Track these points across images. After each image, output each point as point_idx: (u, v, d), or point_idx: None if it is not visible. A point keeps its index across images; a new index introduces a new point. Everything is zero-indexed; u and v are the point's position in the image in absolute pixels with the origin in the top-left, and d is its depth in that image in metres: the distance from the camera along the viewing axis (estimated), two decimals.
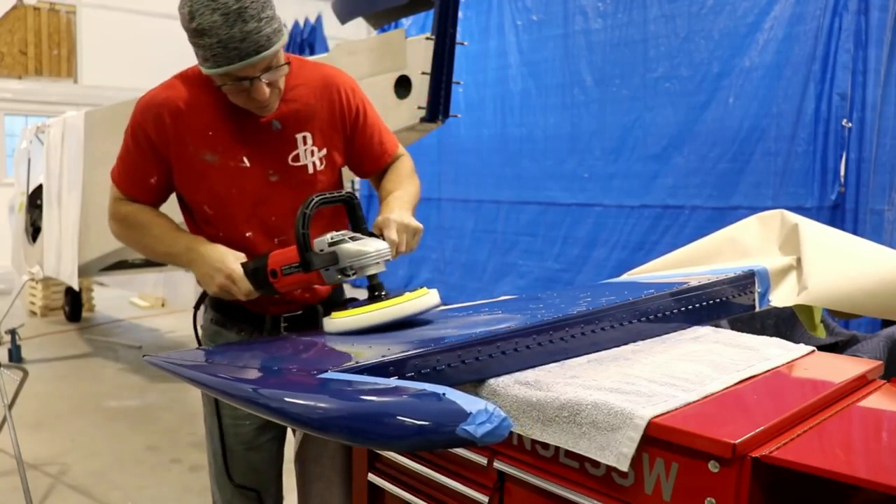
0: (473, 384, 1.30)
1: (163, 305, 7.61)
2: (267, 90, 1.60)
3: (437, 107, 3.46)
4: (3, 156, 10.35)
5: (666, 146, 5.74)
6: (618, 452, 1.11)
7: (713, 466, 1.05)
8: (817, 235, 2.12)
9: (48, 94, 10.38)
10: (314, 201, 1.54)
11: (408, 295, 1.51)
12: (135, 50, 10.65)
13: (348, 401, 1.03)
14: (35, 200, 5.81)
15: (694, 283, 1.75)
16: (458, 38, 3.48)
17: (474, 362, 1.28)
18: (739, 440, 1.02)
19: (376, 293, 1.53)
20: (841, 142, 4.79)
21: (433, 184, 7.33)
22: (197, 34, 1.52)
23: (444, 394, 0.97)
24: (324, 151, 1.78)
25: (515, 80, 6.97)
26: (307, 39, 9.99)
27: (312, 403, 1.03)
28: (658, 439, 1.09)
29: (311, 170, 1.77)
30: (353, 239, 1.54)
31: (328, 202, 1.59)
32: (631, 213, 6.00)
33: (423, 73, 3.40)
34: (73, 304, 7.01)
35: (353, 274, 1.53)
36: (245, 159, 1.71)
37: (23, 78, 10.50)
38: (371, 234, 1.61)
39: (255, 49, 1.52)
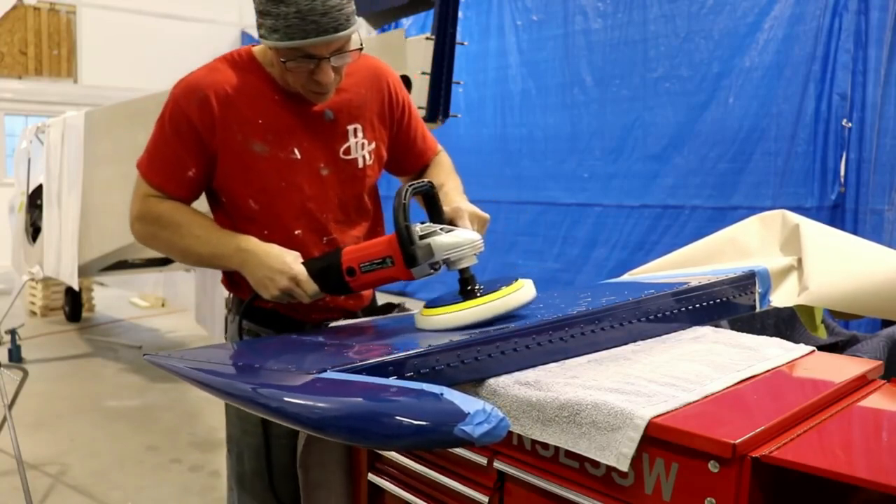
0: (473, 384, 1.30)
1: (163, 305, 7.61)
2: (332, 74, 1.50)
3: (437, 107, 3.46)
4: (3, 156, 10.35)
5: (666, 146, 5.75)
6: (618, 452, 1.11)
7: (713, 466, 1.04)
8: (818, 236, 2.11)
9: (48, 94, 10.38)
10: (408, 190, 1.43)
11: (505, 289, 1.41)
12: (135, 50, 10.66)
13: (347, 400, 1.03)
14: (35, 200, 5.81)
15: (694, 283, 1.75)
16: (458, 38, 3.47)
17: (473, 362, 1.28)
18: (739, 440, 1.02)
19: (469, 287, 1.43)
20: (841, 142, 4.79)
21: None
22: (273, 2, 1.41)
23: (442, 394, 0.97)
24: (373, 145, 1.69)
25: (515, 80, 6.98)
26: None
27: (311, 403, 1.03)
28: (658, 439, 1.09)
29: (361, 164, 1.67)
30: (443, 230, 1.45)
31: (417, 191, 1.48)
32: (631, 213, 6.00)
33: (423, 73, 3.40)
34: (73, 304, 7.01)
35: (440, 268, 1.45)
36: (296, 151, 1.60)
37: (23, 78, 10.51)
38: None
39: (335, 26, 1.42)
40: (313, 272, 1.51)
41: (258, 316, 1.72)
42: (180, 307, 6.94)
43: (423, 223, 1.47)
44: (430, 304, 1.45)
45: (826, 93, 4.83)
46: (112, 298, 7.91)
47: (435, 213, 1.54)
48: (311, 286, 1.50)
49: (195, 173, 1.60)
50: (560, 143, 6.58)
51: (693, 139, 5.56)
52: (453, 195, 1.63)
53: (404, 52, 3.38)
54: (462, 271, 1.45)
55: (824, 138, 4.85)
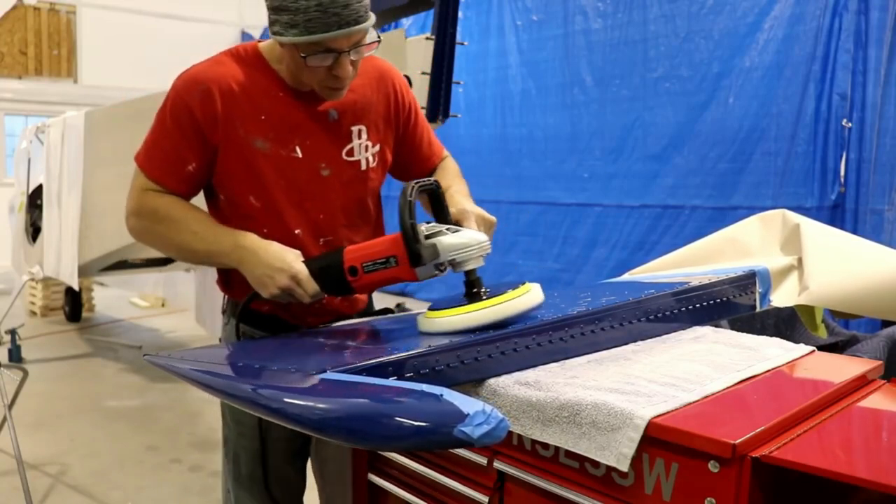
0: (473, 384, 1.30)
1: (163, 305, 7.60)
2: (350, 68, 1.48)
3: (437, 107, 3.46)
4: (3, 156, 10.35)
5: (666, 146, 5.75)
6: (618, 452, 1.11)
7: (713, 466, 1.04)
8: (819, 235, 2.12)
9: (48, 94, 10.38)
10: (415, 187, 1.41)
11: (511, 292, 1.37)
12: (135, 50, 10.65)
13: (347, 401, 1.03)
14: (35, 200, 5.81)
15: (695, 283, 1.75)
16: (458, 38, 3.48)
17: (473, 362, 1.28)
18: (739, 440, 1.02)
19: (475, 290, 1.40)
20: (841, 142, 4.79)
21: None
22: None
23: (441, 395, 0.97)
24: (377, 148, 1.67)
25: (515, 80, 6.98)
26: None
27: (311, 404, 1.03)
28: (658, 439, 1.09)
29: (363, 166, 1.65)
30: (449, 231, 1.42)
31: (423, 189, 1.45)
32: (631, 213, 6.00)
33: (423, 73, 3.40)
34: (73, 304, 7.01)
35: (446, 269, 1.41)
36: (297, 149, 1.58)
37: (23, 78, 10.50)
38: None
39: (356, 18, 1.41)
40: (314, 271, 1.47)
41: (252, 318, 1.68)
42: (180, 307, 6.94)
43: (428, 223, 1.44)
44: (435, 307, 1.42)
45: (826, 93, 4.83)
46: (112, 298, 7.90)
47: (441, 213, 1.51)
48: (312, 286, 1.47)
49: (195, 167, 1.56)
50: (560, 143, 6.58)
51: (693, 139, 5.56)
52: (458, 198, 1.59)
53: (404, 52, 3.38)
54: (468, 273, 1.42)
55: (824, 138, 4.85)
